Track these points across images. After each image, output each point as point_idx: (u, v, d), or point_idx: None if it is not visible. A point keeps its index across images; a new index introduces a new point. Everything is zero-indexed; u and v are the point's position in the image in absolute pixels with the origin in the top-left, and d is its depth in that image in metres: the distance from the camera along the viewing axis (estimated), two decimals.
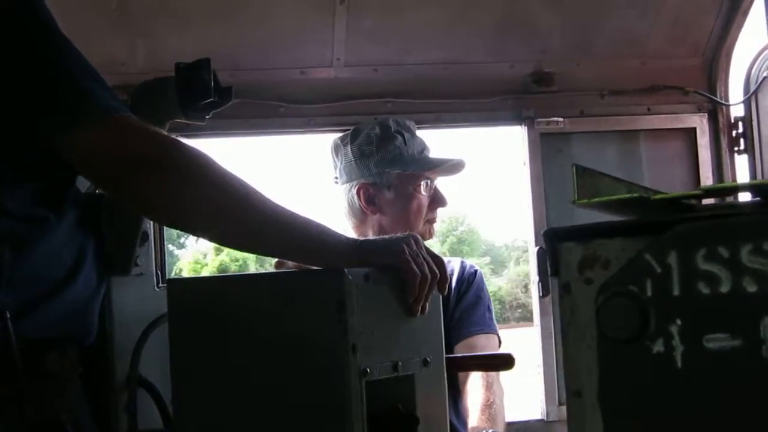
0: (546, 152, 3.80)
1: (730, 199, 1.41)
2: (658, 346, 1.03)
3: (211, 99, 2.42)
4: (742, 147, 3.88)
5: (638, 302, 1.04)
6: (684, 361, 1.02)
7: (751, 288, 1.01)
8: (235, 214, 1.92)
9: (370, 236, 3.26)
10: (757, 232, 1.00)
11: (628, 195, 1.12)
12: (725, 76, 3.90)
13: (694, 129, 3.88)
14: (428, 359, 2.09)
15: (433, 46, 3.74)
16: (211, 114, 2.51)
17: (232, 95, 2.47)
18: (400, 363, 1.99)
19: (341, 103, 3.75)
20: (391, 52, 3.76)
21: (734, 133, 3.88)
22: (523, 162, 3.81)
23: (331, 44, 3.68)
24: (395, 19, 3.67)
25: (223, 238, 2.05)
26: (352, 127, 3.43)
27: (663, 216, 1.06)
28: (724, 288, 1.01)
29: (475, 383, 3.18)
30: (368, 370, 1.87)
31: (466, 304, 3.34)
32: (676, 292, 1.03)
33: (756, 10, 3.73)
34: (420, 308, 2.03)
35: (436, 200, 3.36)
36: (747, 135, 3.85)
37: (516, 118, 3.82)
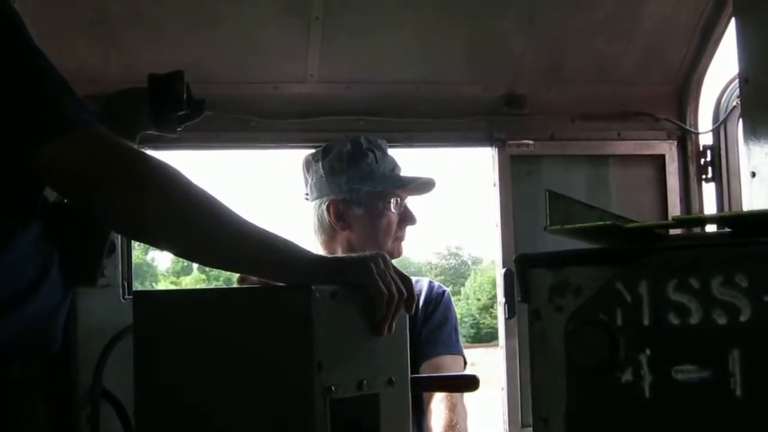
0: (516, 174, 3.81)
1: (698, 229, 1.42)
2: (627, 376, 1.03)
3: (183, 111, 2.41)
4: (710, 175, 3.90)
5: (608, 331, 1.04)
6: (652, 392, 1.02)
7: (721, 320, 1.01)
8: (202, 228, 1.91)
9: (339, 253, 3.27)
10: (728, 264, 1.01)
11: (600, 223, 1.12)
12: (695, 104, 3.93)
13: (663, 156, 3.91)
14: (393, 378, 2.08)
15: (406, 65, 3.75)
16: (182, 126, 2.50)
17: (204, 108, 2.46)
18: (365, 381, 1.98)
19: (313, 119, 3.74)
20: (365, 70, 3.76)
21: (702, 161, 3.91)
22: (493, 183, 3.82)
23: (305, 60, 3.68)
24: (369, 37, 3.67)
25: (189, 252, 2.04)
26: (323, 144, 3.43)
27: (635, 245, 1.06)
28: (694, 319, 1.02)
29: (439, 404, 3.18)
30: (333, 388, 1.86)
31: (433, 325, 3.34)
32: (646, 322, 1.03)
33: (727, 40, 3.77)
34: (386, 327, 2.02)
35: (406, 218, 3.37)
36: (715, 163, 3.88)
37: (487, 140, 3.83)
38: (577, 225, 1.13)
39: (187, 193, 1.88)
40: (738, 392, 1.00)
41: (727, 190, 3.84)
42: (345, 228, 3.32)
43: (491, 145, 3.83)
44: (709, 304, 1.01)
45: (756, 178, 3.34)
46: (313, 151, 3.45)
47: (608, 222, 1.11)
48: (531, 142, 3.81)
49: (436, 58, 3.76)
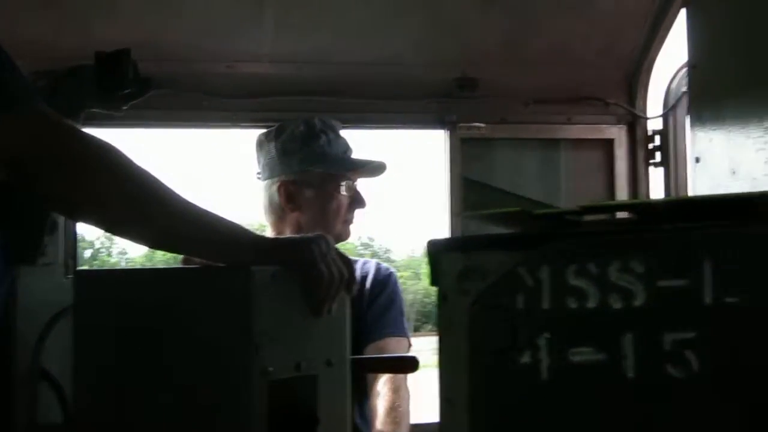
0: (466, 157, 3.83)
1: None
2: (526, 358, 1.06)
3: (129, 90, 2.42)
4: (657, 160, 3.94)
5: (509, 315, 1.07)
6: (549, 373, 1.06)
7: (617, 305, 1.04)
8: (143, 208, 1.91)
9: (288, 234, 3.28)
10: (625, 250, 1.04)
11: (510, 209, 1.15)
12: (645, 89, 3.97)
13: (612, 140, 3.95)
14: (332, 360, 2.10)
15: (360, 46, 3.76)
16: (128, 104, 2.50)
17: (150, 87, 2.46)
18: (303, 363, 2.00)
19: (266, 98, 3.75)
20: (318, 50, 3.76)
21: (651, 146, 3.95)
22: (444, 167, 3.85)
23: (259, 39, 3.68)
24: (323, 17, 3.68)
25: (130, 233, 2.04)
26: (276, 124, 3.44)
27: (538, 232, 1.09)
28: (591, 303, 1.05)
29: (382, 386, 3.21)
30: (270, 369, 1.88)
31: (378, 306, 3.36)
32: (545, 305, 1.06)
33: (679, 27, 3.80)
34: (326, 309, 2.04)
35: (356, 201, 3.38)
36: (663, 149, 3.93)
37: (439, 122, 3.85)
38: (489, 211, 1.16)
39: (129, 173, 1.89)
40: (629, 374, 1.03)
41: (674, 175, 3.88)
42: (295, 209, 3.34)
43: (443, 128, 3.85)
44: (606, 289, 1.05)
45: (700, 163, 3.39)
46: (266, 130, 3.46)
47: (518, 208, 1.14)
48: (482, 125, 3.83)
49: (389, 40, 3.78)
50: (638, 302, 1.03)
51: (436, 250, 1.13)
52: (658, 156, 3.96)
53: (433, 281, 1.14)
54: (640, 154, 3.96)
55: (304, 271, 1.99)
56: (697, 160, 3.37)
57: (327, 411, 2.06)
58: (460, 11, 3.75)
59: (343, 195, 3.34)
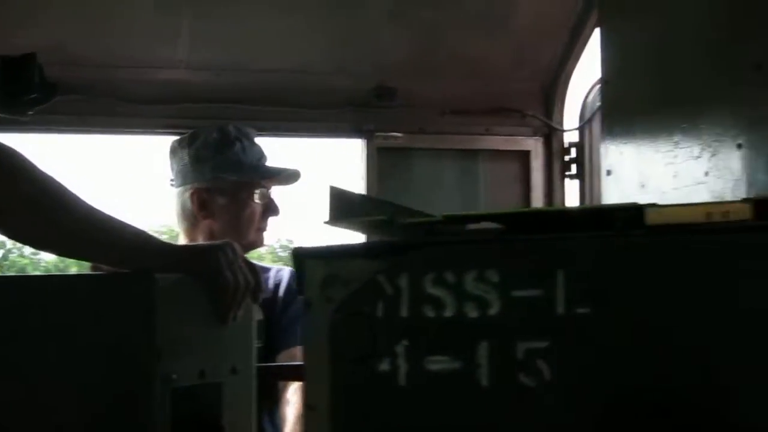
0: (383, 167, 3.84)
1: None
2: (385, 366, 1.07)
3: (34, 95, 2.39)
4: (573, 172, 3.99)
5: (369, 323, 1.07)
6: (407, 381, 1.06)
7: (472, 314, 1.05)
8: (45, 215, 1.88)
9: (200, 241, 3.26)
10: (482, 260, 1.05)
11: (373, 218, 1.15)
12: (562, 102, 4.01)
13: (529, 152, 3.98)
14: (237, 367, 2.08)
15: (277, 53, 3.76)
16: (33, 110, 2.47)
17: (56, 92, 2.44)
18: (207, 370, 1.98)
19: (182, 105, 3.72)
20: (235, 58, 3.76)
21: (567, 158, 3.99)
22: (361, 176, 3.85)
23: (175, 45, 3.66)
24: (240, 24, 3.67)
25: (33, 239, 2.01)
26: (191, 131, 3.41)
27: (399, 240, 1.10)
28: (448, 312, 1.06)
29: (292, 394, 3.20)
30: (174, 376, 1.86)
31: (291, 314, 3.34)
32: (404, 314, 1.07)
33: (595, 43, 3.86)
34: (231, 316, 2.03)
35: (270, 209, 3.37)
36: (579, 161, 3.97)
37: (356, 131, 3.85)
38: (353, 220, 1.16)
39: (30, 177, 1.86)
40: (483, 382, 1.04)
41: (589, 188, 3.93)
42: (207, 217, 3.31)
43: (360, 137, 3.86)
44: (463, 298, 1.05)
45: (611, 176, 3.44)
46: (180, 137, 3.43)
47: (381, 217, 1.15)
48: (399, 134, 3.84)
49: (307, 48, 3.78)
50: (493, 311, 1.05)
51: (300, 258, 1.14)
52: (574, 168, 4.00)
53: (299, 289, 1.14)
54: (556, 166, 4.00)
55: (209, 279, 1.98)
56: (609, 172, 3.42)
57: (231, 419, 2.05)
58: (377, 21, 3.76)
59: (257, 203, 3.32)
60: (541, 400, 1.03)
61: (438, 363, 1.06)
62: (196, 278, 1.96)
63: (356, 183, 3.92)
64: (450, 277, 1.06)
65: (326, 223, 1.17)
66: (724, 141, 3.10)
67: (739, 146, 3.05)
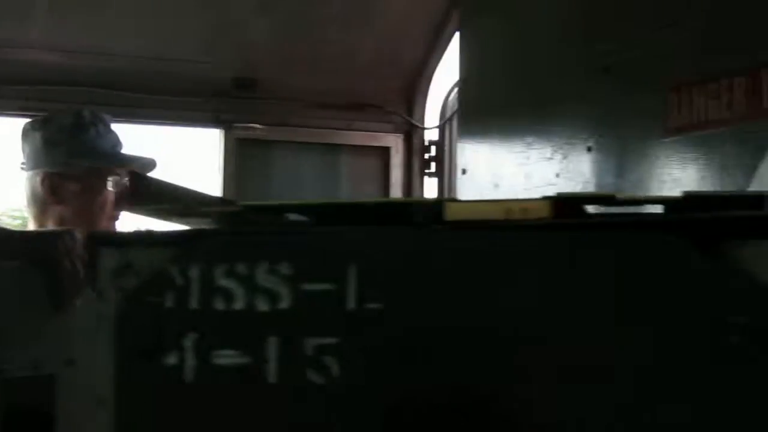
0: (242, 159, 3.79)
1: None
2: (172, 359, 1.03)
3: None
4: (433, 170, 4.00)
5: (158, 314, 1.04)
6: (194, 376, 1.03)
7: (263, 307, 1.02)
8: None
9: (50, 227, 3.16)
10: (274, 251, 1.02)
11: (174, 206, 1.12)
12: (424, 101, 4.03)
13: (390, 149, 3.98)
14: (74, 359, 2.02)
15: (136, 38, 3.67)
16: None
17: None
18: (41, 360, 1.92)
19: (36, 87, 3.61)
20: (94, 41, 3.65)
21: (427, 156, 4.01)
22: (218, 167, 3.80)
23: (30, 25, 3.54)
24: (98, 7, 3.57)
25: None
26: (44, 113, 3.31)
27: (191, 230, 1.06)
28: (238, 305, 1.02)
29: None
30: (5, 367, 1.80)
31: None
32: (194, 306, 1.03)
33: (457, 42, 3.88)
34: (68, 306, 1.97)
35: (123, 198, 3.29)
36: (438, 159, 3.99)
37: (214, 121, 3.79)
38: (156, 206, 1.12)
39: None
40: (271, 378, 1.01)
41: (448, 186, 3.95)
42: (58, 203, 3.21)
43: (218, 127, 3.80)
44: (253, 291, 1.02)
45: (466, 175, 3.46)
46: (32, 119, 3.32)
47: (181, 205, 1.11)
48: (259, 126, 3.80)
49: (168, 34, 3.70)
50: (284, 305, 1.02)
51: (93, 246, 1.09)
52: (433, 166, 4.02)
53: (90, 277, 1.10)
54: (416, 164, 4.01)
55: (46, 267, 1.92)
56: (464, 171, 3.44)
57: (68, 412, 1.98)
58: (241, 12, 3.71)
59: (110, 191, 3.23)
60: (329, 397, 1.01)
61: (226, 357, 1.03)
62: (34, 266, 1.90)
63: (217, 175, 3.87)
64: (242, 268, 1.03)
65: (122, 209, 1.13)
66: (574, 144, 3.15)
67: (589, 149, 3.11)
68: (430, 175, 4.01)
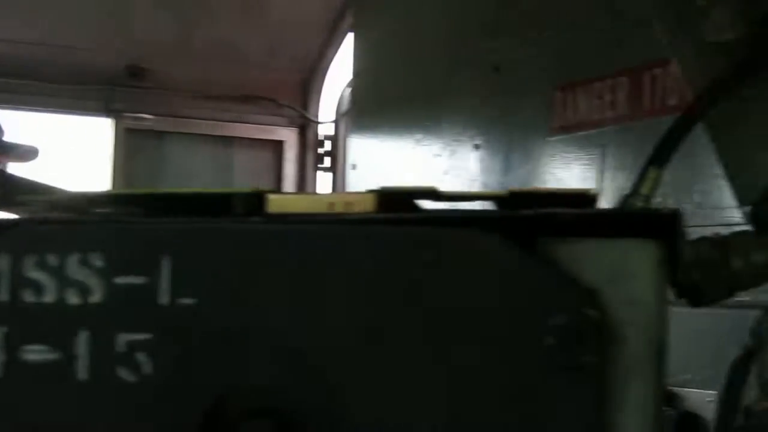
0: (132, 149, 3.72)
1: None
2: None
3: None
4: (327, 165, 3.97)
5: None
6: (2, 372, 0.98)
7: (74, 300, 0.97)
8: None
9: None
10: (86, 242, 0.97)
11: (28, 197, 1.06)
12: (318, 95, 3.99)
13: (283, 142, 3.94)
14: None
15: (22, 23, 3.57)
16: None
17: None
18: None
19: None
20: None
21: (321, 150, 3.98)
22: (107, 156, 3.72)
23: None
24: None
25: None
26: None
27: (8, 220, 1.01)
28: (49, 298, 0.98)
29: None
30: None
31: None
32: (3, 298, 0.98)
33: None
34: None
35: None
36: (332, 154, 3.96)
37: (103, 110, 3.71)
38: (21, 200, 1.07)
39: None
40: (81, 375, 0.97)
41: (341, 181, 3.92)
42: None
43: (107, 116, 3.72)
44: (65, 284, 0.98)
45: (356, 170, 3.44)
46: None
47: (38, 198, 1.06)
48: (149, 116, 3.72)
49: (55, 20, 3.61)
50: (95, 299, 0.97)
51: None
52: (327, 161, 3.99)
53: None
54: (310, 158, 3.98)
55: None
56: (354, 167, 3.41)
57: None
58: (132, 1, 3.64)
59: None
60: (139, 395, 0.96)
61: (35, 353, 0.98)
62: None
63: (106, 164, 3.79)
64: (52, 259, 0.98)
65: None
66: (462, 141, 3.14)
67: (477, 147, 3.10)
68: (324, 170, 3.97)
